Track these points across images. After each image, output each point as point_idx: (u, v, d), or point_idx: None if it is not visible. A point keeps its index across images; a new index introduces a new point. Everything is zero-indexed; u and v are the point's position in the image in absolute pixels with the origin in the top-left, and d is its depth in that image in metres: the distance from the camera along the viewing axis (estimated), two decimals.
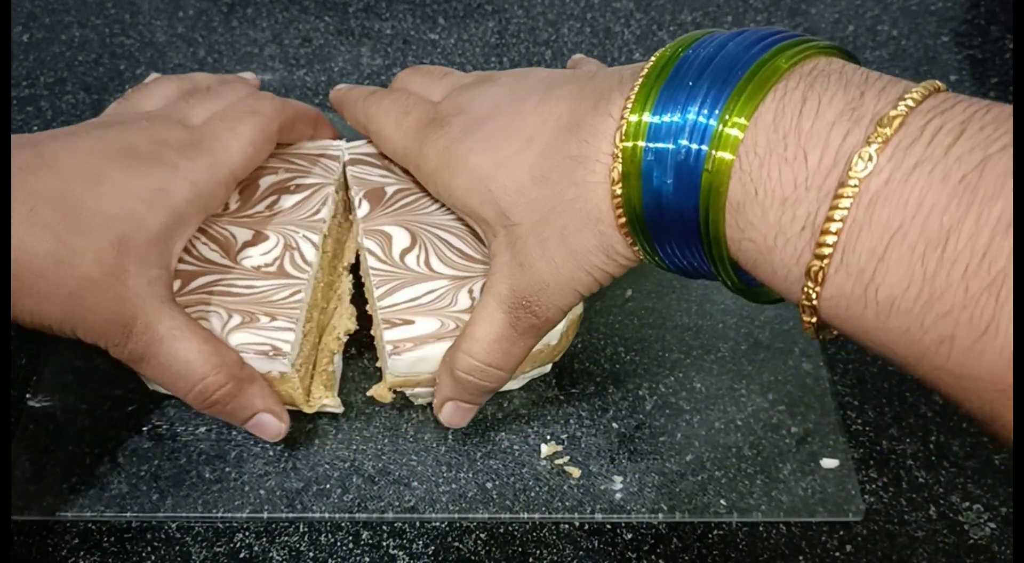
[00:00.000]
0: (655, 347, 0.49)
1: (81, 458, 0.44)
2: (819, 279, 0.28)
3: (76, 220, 0.37)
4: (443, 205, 0.46)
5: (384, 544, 0.42)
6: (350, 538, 0.43)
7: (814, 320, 0.30)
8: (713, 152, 0.30)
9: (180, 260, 0.43)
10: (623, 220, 0.34)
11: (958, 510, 0.44)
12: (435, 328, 0.42)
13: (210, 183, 0.42)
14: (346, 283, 0.49)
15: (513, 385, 0.47)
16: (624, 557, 0.42)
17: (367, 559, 0.42)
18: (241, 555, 0.42)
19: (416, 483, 0.44)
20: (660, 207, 0.32)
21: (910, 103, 0.27)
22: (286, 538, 0.43)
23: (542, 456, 0.45)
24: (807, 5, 0.69)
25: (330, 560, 0.42)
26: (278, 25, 0.67)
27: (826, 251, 0.27)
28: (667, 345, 0.49)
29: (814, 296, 0.29)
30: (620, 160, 0.32)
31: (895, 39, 0.66)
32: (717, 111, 0.30)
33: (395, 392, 0.45)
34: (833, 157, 0.27)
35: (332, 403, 0.45)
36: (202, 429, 0.46)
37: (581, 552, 0.42)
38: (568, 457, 0.45)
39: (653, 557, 0.42)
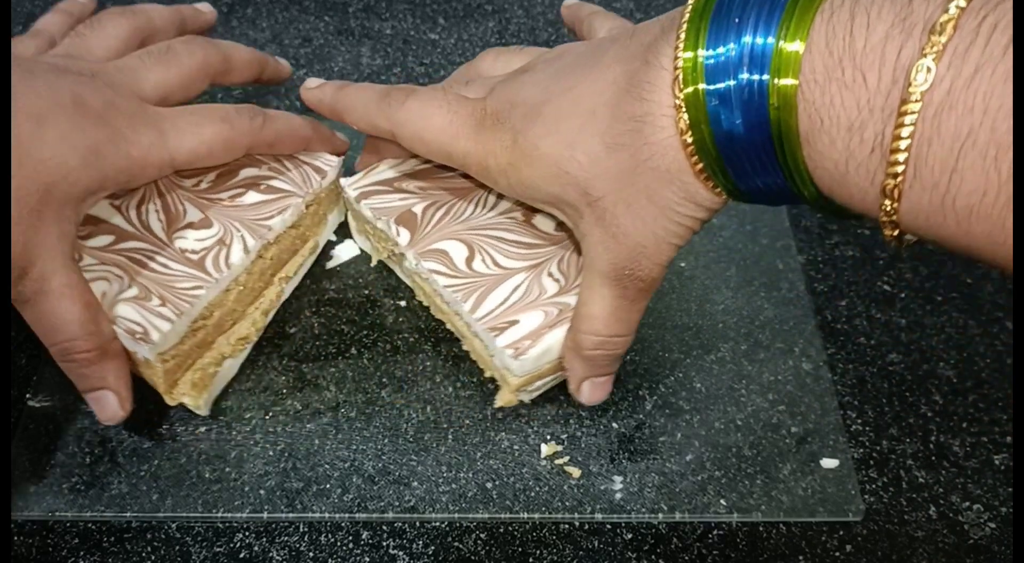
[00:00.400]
0: (655, 347, 0.49)
1: (81, 458, 0.44)
2: (896, 196, 0.28)
3: (10, 157, 0.37)
4: (479, 207, 0.47)
5: (384, 544, 0.42)
6: (350, 538, 0.43)
7: (895, 233, 0.30)
8: (776, 81, 0.29)
9: (127, 219, 0.46)
10: (700, 166, 0.33)
11: (958, 510, 0.44)
12: (542, 319, 0.43)
13: (145, 162, 0.42)
14: (274, 294, 0.49)
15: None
16: (624, 557, 0.42)
17: (367, 559, 0.42)
18: (241, 555, 0.42)
19: (416, 483, 0.44)
20: (734, 147, 0.32)
21: (960, 3, 0.26)
22: (286, 538, 0.43)
23: (542, 456, 0.45)
24: None
25: (330, 560, 0.42)
26: (278, 25, 0.67)
27: (898, 169, 0.27)
28: (667, 345, 0.49)
29: (893, 212, 0.28)
30: (684, 109, 0.32)
31: None
32: (771, 39, 0.29)
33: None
34: (891, 74, 0.27)
35: (192, 403, 0.45)
36: (202, 429, 0.46)
37: (581, 552, 0.42)
38: (568, 457, 0.45)
39: (653, 557, 0.42)
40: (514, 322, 0.43)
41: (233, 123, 0.45)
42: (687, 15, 0.32)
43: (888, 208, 0.28)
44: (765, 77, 0.30)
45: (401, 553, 0.42)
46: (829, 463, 0.44)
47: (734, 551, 0.42)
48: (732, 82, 0.31)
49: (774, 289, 0.51)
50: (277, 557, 0.42)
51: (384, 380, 0.47)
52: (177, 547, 0.42)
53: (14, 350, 0.49)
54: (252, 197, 0.47)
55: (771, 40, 0.29)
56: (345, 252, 0.53)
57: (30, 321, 0.40)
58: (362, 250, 0.52)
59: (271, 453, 0.45)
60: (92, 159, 0.39)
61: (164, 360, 0.43)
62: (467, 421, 0.46)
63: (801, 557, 0.42)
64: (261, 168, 0.49)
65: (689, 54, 0.32)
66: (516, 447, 0.45)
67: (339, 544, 0.42)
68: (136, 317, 0.42)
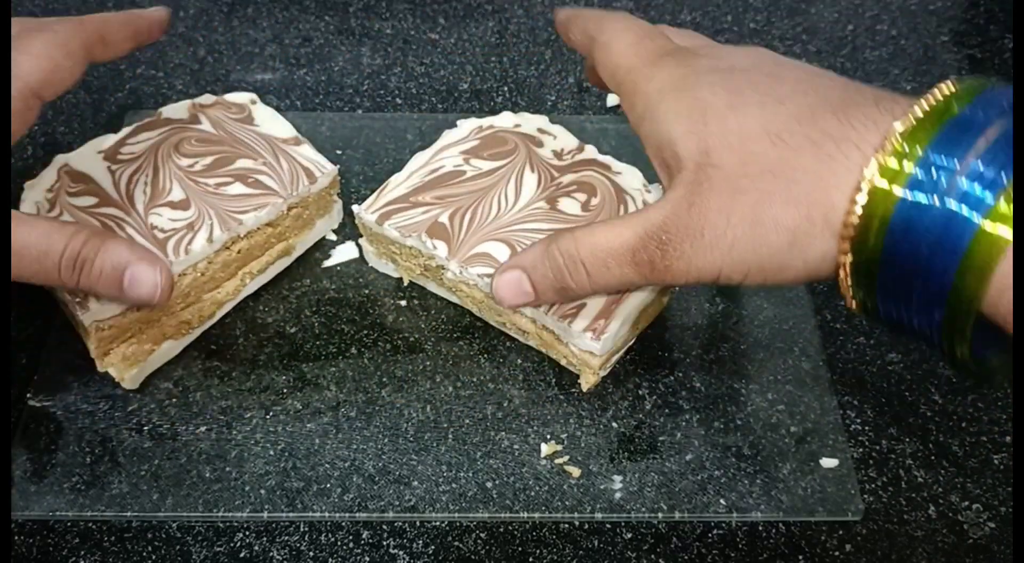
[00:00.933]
0: (655, 347, 0.49)
1: (81, 458, 0.44)
2: None
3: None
4: (502, 204, 0.48)
5: (384, 543, 0.42)
6: (350, 537, 0.43)
7: None
8: (989, 225, 0.28)
9: (115, 184, 0.47)
10: (854, 221, 0.31)
11: (958, 510, 0.44)
12: (604, 299, 0.44)
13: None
14: (233, 287, 0.49)
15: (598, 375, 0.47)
16: (624, 557, 0.42)
17: (367, 558, 0.42)
18: (241, 555, 0.42)
19: (416, 482, 0.44)
20: (900, 261, 0.30)
21: None
22: (286, 537, 0.43)
23: (542, 455, 0.45)
24: (807, 5, 0.69)
25: (330, 560, 0.42)
26: (278, 25, 0.67)
27: None
28: (667, 345, 0.49)
29: None
30: (869, 194, 0.30)
31: (894, 39, 0.66)
32: (998, 189, 0.28)
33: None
34: None
35: (118, 375, 0.45)
36: (202, 429, 0.46)
37: (581, 551, 0.42)
38: (568, 456, 0.45)
39: (653, 556, 0.42)
40: (581, 305, 0.44)
41: (50, 27, 0.42)
42: (923, 108, 0.30)
43: None
44: (977, 220, 0.28)
45: (401, 552, 0.42)
46: (828, 463, 0.44)
47: (734, 551, 0.42)
48: (937, 201, 0.29)
49: (774, 289, 0.51)
50: (277, 557, 0.42)
51: (384, 380, 0.47)
52: (177, 547, 0.42)
53: (14, 350, 0.49)
54: (237, 188, 0.48)
55: (991, 198, 0.28)
56: (345, 252, 0.53)
57: (24, 275, 0.39)
58: (361, 252, 0.52)
59: (271, 453, 0.45)
60: None
61: (100, 328, 0.43)
62: (467, 421, 0.46)
63: (801, 557, 0.42)
64: (256, 161, 0.49)
65: (902, 149, 0.30)
66: (516, 447, 0.45)
67: (339, 544, 0.42)
68: None
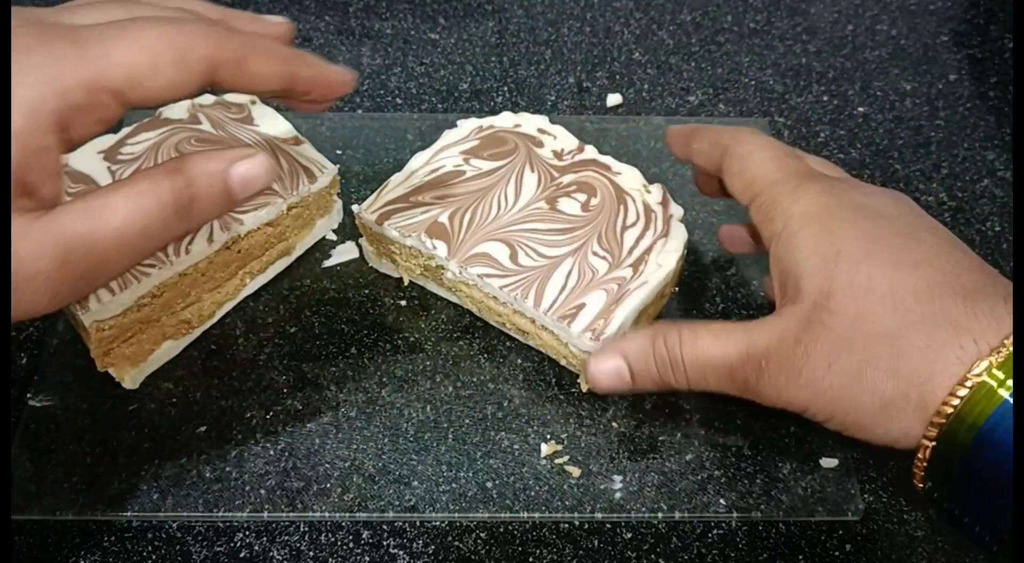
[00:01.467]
0: None
1: (81, 458, 0.44)
2: None
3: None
4: (502, 204, 0.48)
5: (384, 543, 0.42)
6: (350, 537, 0.43)
7: None
8: None
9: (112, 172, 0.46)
10: (947, 411, 0.31)
11: None
12: (605, 297, 0.44)
13: (54, 93, 0.30)
14: (233, 287, 0.49)
15: None
16: (624, 556, 0.42)
17: (367, 558, 0.42)
18: (242, 554, 0.42)
19: (416, 482, 0.44)
20: (987, 456, 0.31)
21: None
22: (286, 537, 0.43)
23: (542, 455, 0.45)
24: (807, 5, 0.69)
25: (330, 559, 0.42)
26: None
27: None
28: None
29: None
30: (988, 368, 0.31)
31: (895, 39, 0.66)
32: None
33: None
34: None
35: (119, 375, 0.45)
36: (202, 429, 0.46)
37: (581, 551, 0.42)
38: (568, 456, 0.45)
39: (653, 556, 0.42)
40: (581, 306, 0.44)
41: (183, 26, 0.33)
42: (983, 377, 0.31)
43: None
44: None
45: (401, 552, 0.42)
46: (829, 462, 0.44)
47: (734, 550, 0.42)
48: None
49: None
50: (278, 556, 0.42)
51: (384, 380, 0.47)
52: (178, 546, 0.42)
53: (14, 350, 0.49)
54: None
55: None
56: (345, 252, 0.53)
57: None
58: (362, 252, 0.52)
59: (271, 452, 0.45)
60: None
61: (100, 328, 0.43)
62: (467, 421, 0.46)
63: (801, 556, 0.42)
64: None
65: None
66: (516, 447, 0.45)
67: (339, 543, 0.42)
68: None
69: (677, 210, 0.49)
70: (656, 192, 0.49)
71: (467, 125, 0.53)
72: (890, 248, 0.35)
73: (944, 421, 0.32)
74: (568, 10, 0.68)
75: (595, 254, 0.46)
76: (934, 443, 0.32)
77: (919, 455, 0.33)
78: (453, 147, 0.51)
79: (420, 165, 0.50)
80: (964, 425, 0.31)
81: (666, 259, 0.46)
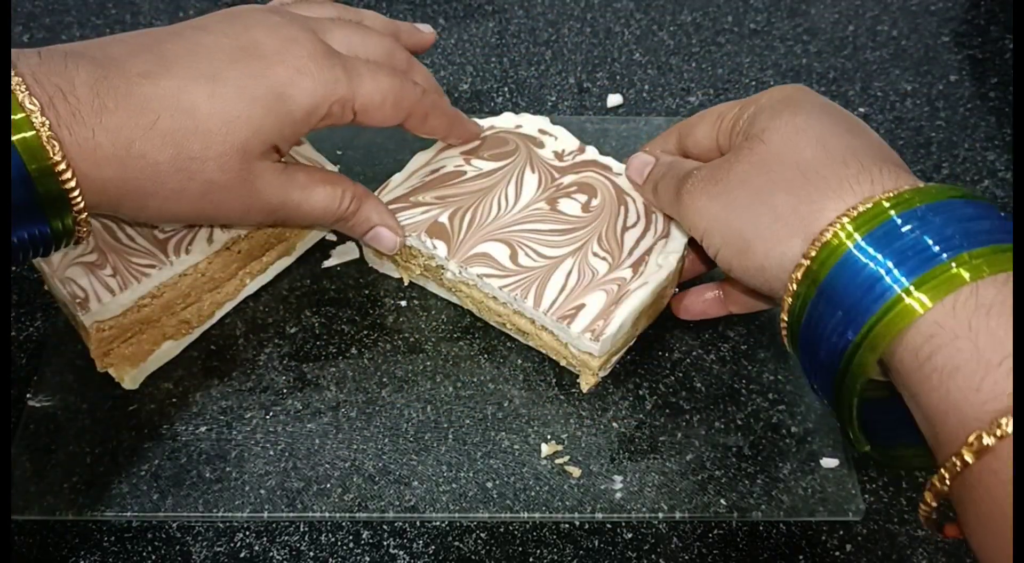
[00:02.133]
0: (655, 347, 0.49)
1: (81, 458, 0.44)
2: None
3: (194, 127, 0.37)
4: (502, 205, 0.48)
5: (384, 543, 0.42)
6: (350, 537, 0.43)
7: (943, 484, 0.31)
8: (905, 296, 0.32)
9: None
10: (823, 240, 0.34)
11: None
12: (605, 298, 0.44)
13: (330, 97, 0.40)
14: (233, 287, 0.49)
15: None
16: (624, 557, 0.42)
17: (367, 559, 0.42)
18: (242, 555, 0.42)
19: (416, 482, 0.44)
20: (837, 286, 0.34)
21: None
22: (286, 537, 0.43)
23: (542, 456, 0.45)
24: (807, 5, 0.69)
25: (330, 560, 0.42)
26: None
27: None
28: (667, 345, 0.49)
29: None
30: (854, 218, 0.34)
31: (895, 39, 0.66)
32: (913, 278, 0.32)
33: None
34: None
35: (119, 375, 0.45)
36: (202, 429, 0.46)
37: (581, 551, 0.42)
38: (568, 457, 0.45)
39: (653, 556, 0.42)
40: (580, 306, 0.44)
41: (403, 80, 0.44)
42: (876, 200, 0.34)
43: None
44: (899, 289, 0.32)
45: (401, 552, 0.42)
46: (829, 462, 0.44)
47: (734, 551, 0.42)
48: (872, 265, 0.33)
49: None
50: (278, 556, 0.42)
51: (384, 380, 0.47)
52: (177, 547, 0.42)
53: (14, 350, 0.49)
54: None
55: (904, 283, 0.32)
56: (345, 252, 0.53)
57: (301, 223, 0.47)
58: (362, 252, 0.52)
59: (271, 453, 0.45)
60: (275, 104, 0.39)
61: (100, 329, 0.43)
62: (467, 421, 0.46)
63: (801, 556, 0.42)
64: None
65: (875, 214, 0.34)
66: (516, 447, 0.45)
67: (339, 544, 0.42)
68: (83, 282, 0.43)
69: None
70: None
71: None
72: (835, 117, 0.39)
73: (815, 252, 0.35)
74: (568, 11, 0.68)
75: (595, 255, 0.46)
76: (808, 262, 0.35)
77: (793, 275, 0.35)
78: (454, 147, 0.51)
79: (420, 165, 0.50)
80: (826, 260, 0.34)
81: (666, 260, 0.46)
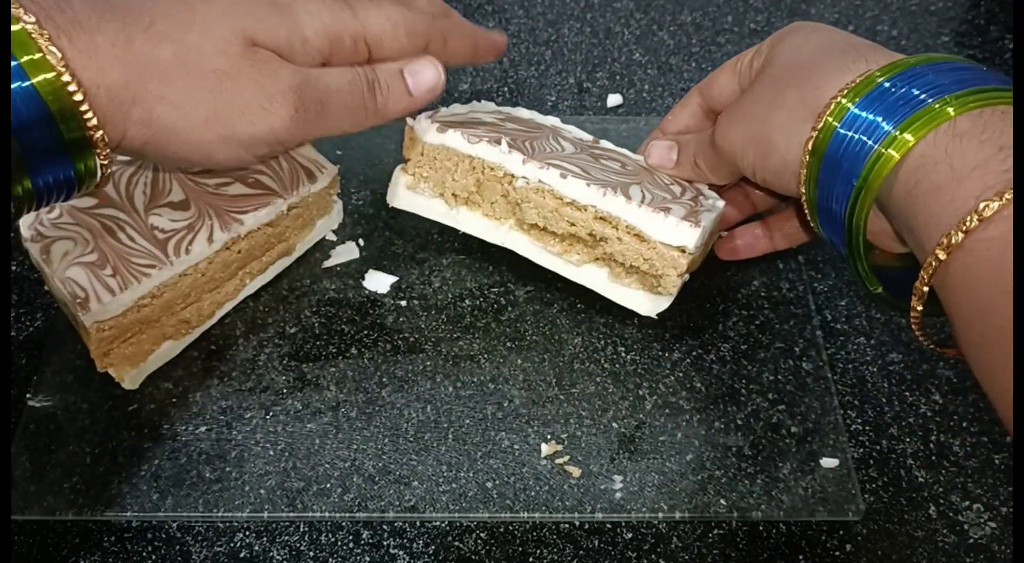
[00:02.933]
0: (655, 347, 0.49)
1: (81, 458, 0.44)
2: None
3: (190, 19, 0.37)
4: (553, 146, 0.48)
5: (384, 543, 0.42)
6: (350, 537, 0.43)
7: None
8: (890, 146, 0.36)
9: (115, 186, 0.47)
10: (819, 125, 0.38)
11: (958, 510, 0.44)
12: (687, 208, 0.45)
13: (341, 32, 0.40)
14: (233, 287, 0.49)
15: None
16: (624, 556, 0.42)
17: (367, 558, 0.42)
18: (241, 555, 0.42)
19: (416, 482, 0.44)
20: (835, 155, 0.38)
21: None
22: (286, 537, 0.43)
23: (542, 455, 0.45)
24: (807, 5, 0.69)
25: (330, 559, 0.42)
26: None
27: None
28: (667, 345, 0.49)
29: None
30: (837, 102, 0.38)
31: (895, 39, 0.66)
32: (900, 123, 0.36)
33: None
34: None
35: (118, 375, 0.45)
36: (202, 429, 0.46)
37: (581, 551, 0.42)
38: (568, 456, 0.45)
39: (653, 556, 0.42)
40: (668, 208, 0.44)
41: (408, 7, 0.43)
42: (870, 73, 0.38)
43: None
44: (873, 144, 0.36)
45: (401, 552, 0.42)
46: (829, 462, 0.44)
47: (734, 550, 0.42)
48: (870, 116, 0.37)
49: (774, 289, 0.51)
50: (277, 557, 0.42)
51: (384, 380, 0.47)
52: (177, 547, 0.42)
53: (14, 350, 0.49)
54: (236, 189, 0.48)
55: (890, 128, 0.36)
56: (345, 252, 0.53)
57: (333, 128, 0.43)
58: (361, 252, 0.52)
59: (271, 453, 0.45)
60: (279, 9, 0.39)
61: (100, 329, 0.43)
62: (467, 421, 0.46)
63: (801, 556, 0.42)
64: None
65: (852, 96, 0.38)
66: (516, 447, 0.45)
67: (339, 544, 0.42)
68: (84, 282, 0.43)
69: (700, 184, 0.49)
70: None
71: (488, 105, 0.52)
72: (835, 29, 0.42)
73: (817, 133, 0.38)
74: (568, 11, 0.68)
75: (654, 184, 0.47)
76: (813, 135, 0.38)
77: (803, 157, 0.39)
78: (482, 110, 0.51)
79: (457, 112, 0.50)
80: (827, 136, 0.38)
81: (714, 204, 0.47)
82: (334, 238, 0.53)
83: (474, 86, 0.63)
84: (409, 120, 0.48)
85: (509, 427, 0.46)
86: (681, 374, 0.48)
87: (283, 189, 0.48)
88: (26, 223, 0.46)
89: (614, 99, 0.62)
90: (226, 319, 0.50)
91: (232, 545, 0.42)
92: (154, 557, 0.42)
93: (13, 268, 0.52)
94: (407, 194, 0.50)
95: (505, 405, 0.47)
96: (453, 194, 0.49)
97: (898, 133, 0.36)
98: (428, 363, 0.48)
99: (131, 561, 0.42)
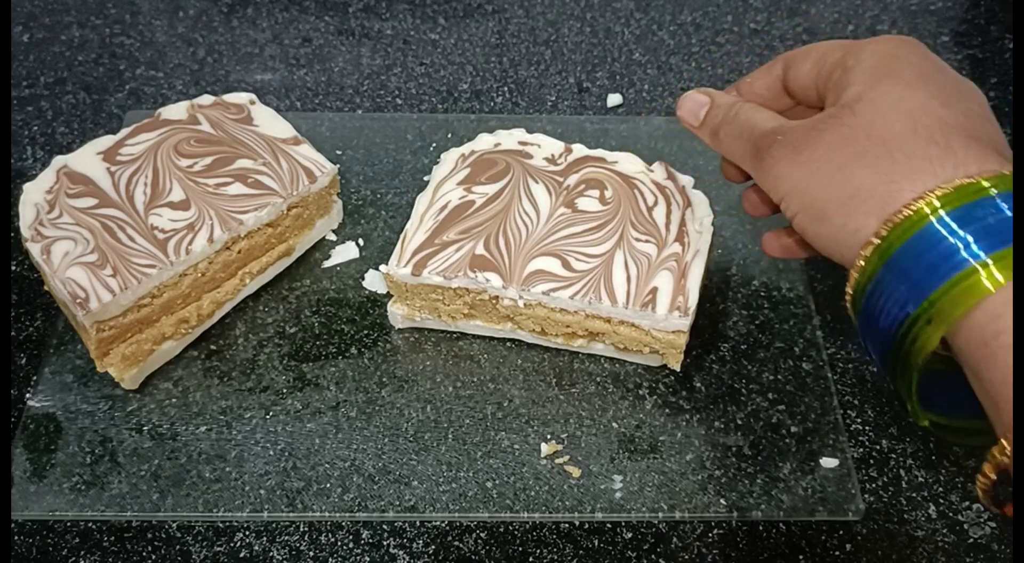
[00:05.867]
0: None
1: (81, 458, 0.44)
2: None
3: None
4: (527, 221, 0.48)
5: (384, 543, 0.42)
6: (350, 537, 0.43)
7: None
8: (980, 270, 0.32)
9: (115, 186, 0.47)
10: (899, 219, 0.34)
11: (958, 509, 0.44)
12: (671, 275, 0.45)
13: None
14: (233, 287, 0.49)
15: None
16: (624, 556, 0.42)
17: (367, 558, 0.42)
18: (241, 554, 0.42)
19: (416, 482, 0.44)
20: (909, 256, 0.34)
21: None
22: (286, 537, 0.43)
23: (542, 455, 0.45)
24: (807, 5, 0.69)
25: (330, 559, 0.42)
26: (278, 25, 0.67)
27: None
28: None
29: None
30: (940, 195, 0.34)
31: None
32: (992, 253, 0.32)
33: None
34: None
35: (118, 375, 0.45)
36: (202, 429, 0.46)
37: (581, 551, 0.42)
38: (568, 456, 0.45)
39: (653, 556, 0.42)
40: (654, 290, 0.45)
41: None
42: (956, 184, 0.34)
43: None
44: (971, 261, 0.32)
45: (401, 552, 0.42)
46: (829, 462, 0.44)
47: (734, 550, 0.42)
48: (951, 238, 0.33)
49: (774, 289, 0.51)
50: (277, 556, 0.42)
51: (384, 380, 0.47)
52: (177, 546, 0.42)
53: (14, 350, 0.49)
54: (236, 189, 0.48)
55: (981, 258, 0.32)
56: (345, 252, 0.53)
57: None
58: (361, 252, 0.52)
59: (271, 453, 0.45)
60: None
61: (100, 329, 0.43)
62: (467, 421, 0.46)
63: (801, 556, 0.42)
64: (255, 162, 0.49)
65: (961, 194, 0.33)
66: (516, 446, 0.45)
67: (339, 543, 0.42)
68: (84, 282, 0.43)
69: (687, 180, 0.49)
70: (659, 170, 0.50)
71: (450, 157, 0.51)
72: (933, 86, 0.37)
73: (893, 225, 0.34)
74: (568, 10, 0.68)
75: (638, 240, 0.46)
76: (878, 242, 0.35)
77: (863, 252, 0.35)
78: (448, 180, 0.50)
79: (425, 207, 0.49)
80: (906, 232, 0.34)
81: (703, 225, 0.47)
82: (334, 238, 0.53)
83: (474, 86, 0.63)
84: (383, 267, 0.47)
85: (509, 427, 0.46)
86: (681, 374, 0.48)
87: (283, 189, 0.48)
88: (26, 223, 0.46)
89: (614, 99, 0.62)
90: (226, 319, 0.50)
91: (232, 545, 0.42)
92: (154, 557, 0.42)
93: (13, 268, 0.52)
94: (408, 320, 0.50)
95: (505, 405, 0.47)
96: (450, 315, 0.49)
97: (990, 262, 0.32)
98: (428, 363, 0.48)
99: (131, 561, 0.42)
